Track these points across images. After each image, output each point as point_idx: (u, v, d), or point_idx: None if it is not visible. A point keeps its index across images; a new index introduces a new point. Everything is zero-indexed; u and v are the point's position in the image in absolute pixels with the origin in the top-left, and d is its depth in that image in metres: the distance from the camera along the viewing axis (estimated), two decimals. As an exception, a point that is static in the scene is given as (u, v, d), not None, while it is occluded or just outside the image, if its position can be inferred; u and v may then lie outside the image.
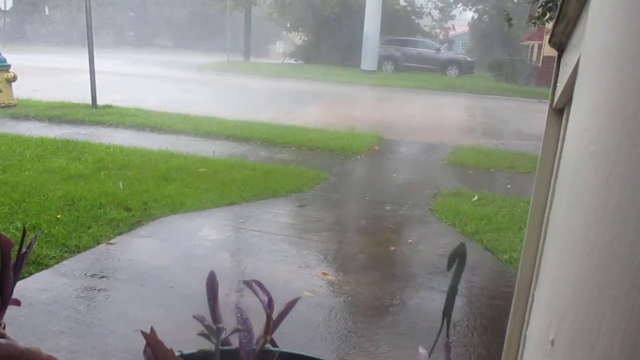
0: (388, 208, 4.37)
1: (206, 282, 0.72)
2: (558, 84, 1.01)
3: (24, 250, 0.72)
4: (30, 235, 3.03)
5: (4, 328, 0.70)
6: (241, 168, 5.19)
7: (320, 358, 0.74)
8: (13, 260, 0.70)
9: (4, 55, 8.03)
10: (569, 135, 0.40)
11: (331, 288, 2.83)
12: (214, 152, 5.98)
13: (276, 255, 3.26)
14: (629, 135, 0.26)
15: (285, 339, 0.83)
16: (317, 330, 2.41)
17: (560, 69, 1.01)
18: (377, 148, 6.95)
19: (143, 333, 0.62)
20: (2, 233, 0.70)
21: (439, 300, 2.72)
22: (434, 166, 6.17)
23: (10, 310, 0.74)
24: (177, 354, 0.67)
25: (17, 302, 0.73)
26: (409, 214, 4.26)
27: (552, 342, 0.32)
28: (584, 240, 0.29)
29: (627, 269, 0.25)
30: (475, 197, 4.67)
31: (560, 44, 0.99)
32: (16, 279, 0.69)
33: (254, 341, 0.71)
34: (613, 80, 0.28)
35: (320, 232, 3.69)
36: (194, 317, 0.67)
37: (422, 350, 0.74)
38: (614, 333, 0.25)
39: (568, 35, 0.92)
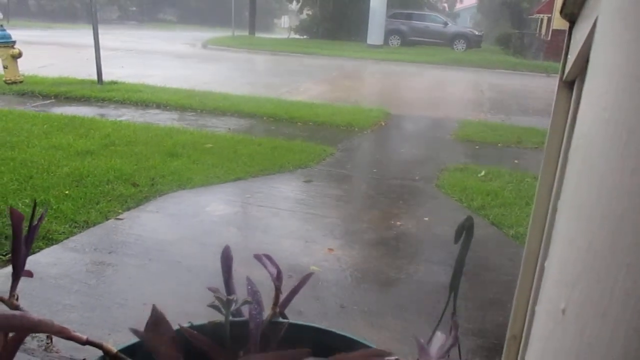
0: (394, 183, 4.36)
1: (221, 256, 0.72)
2: (569, 56, 0.99)
3: (34, 223, 0.73)
4: (40, 211, 3.06)
5: (17, 299, 0.71)
6: (247, 143, 5.19)
7: (328, 329, 0.75)
8: (24, 233, 0.71)
9: (8, 31, 7.98)
10: (584, 102, 0.40)
11: (337, 262, 2.85)
12: (229, 129, 5.97)
13: (283, 230, 3.28)
14: (646, 101, 0.25)
15: (291, 312, 0.84)
16: (322, 304, 2.43)
17: (572, 40, 0.99)
18: (383, 123, 6.92)
19: (133, 330, 0.63)
20: (14, 207, 0.71)
21: (446, 274, 2.74)
22: (440, 141, 6.15)
23: (22, 284, 0.75)
24: (187, 324, 0.68)
25: (30, 274, 0.74)
26: (415, 189, 4.26)
27: (564, 311, 0.32)
28: (597, 207, 0.29)
29: (641, 236, 0.25)
30: (482, 172, 4.65)
31: (572, 15, 0.97)
32: (28, 252, 0.70)
33: (264, 313, 0.71)
34: (630, 44, 0.27)
35: (326, 207, 3.70)
36: (208, 289, 0.68)
37: (439, 334, 0.74)
38: (626, 299, 0.25)
39: (580, 5, 0.90)
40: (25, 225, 0.74)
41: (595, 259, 0.29)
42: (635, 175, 0.26)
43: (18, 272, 0.68)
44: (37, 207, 3.16)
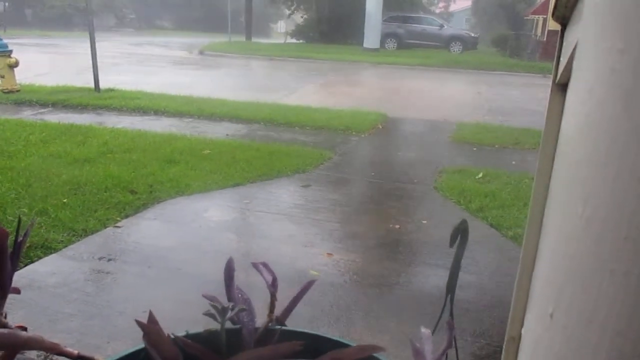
0: (392, 186, 4.37)
1: (225, 267, 0.73)
2: (561, 58, 0.99)
3: (20, 238, 0.72)
4: (26, 224, 3.06)
5: (5, 317, 0.70)
6: (245, 149, 5.19)
7: (322, 334, 0.75)
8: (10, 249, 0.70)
9: (5, 40, 7.99)
10: (568, 108, 0.40)
11: (336, 267, 2.85)
12: (227, 135, 5.97)
13: (281, 235, 3.28)
14: (626, 108, 0.26)
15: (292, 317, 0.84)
16: (322, 308, 2.43)
17: (564, 43, 1.00)
18: (380, 126, 6.92)
19: (138, 322, 0.63)
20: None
21: (445, 277, 2.74)
22: (438, 143, 6.16)
23: (21, 293, 0.75)
24: (183, 333, 0.68)
25: (17, 291, 0.73)
26: (413, 192, 4.27)
27: (552, 315, 0.33)
28: (582, 213, 0.29)
29: (625, 241, 0.25)
30: (480, 174, 4.66)
31: (564, 17, 0.98)
32: (14, 268, 0.69)
33: (260, 320, 0.72)
34: (610, 53, 0.27)
35: (325, 211, 3.70)
36: (203, 296, 0.68)
37: (424, 330, 0.74)
38: (611, 305, 0.25)
39: (571, 8, 0.90)
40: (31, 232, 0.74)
41: (581, 264, 0.29)
42: (618, 181, 0.26)
43: (5, 290, 0.67)
44: (24, 220, 3.16)
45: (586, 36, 0.33)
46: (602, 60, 0.28)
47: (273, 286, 0.71)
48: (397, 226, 3.48)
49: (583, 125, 0.30)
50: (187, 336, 0.67)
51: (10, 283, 0.67)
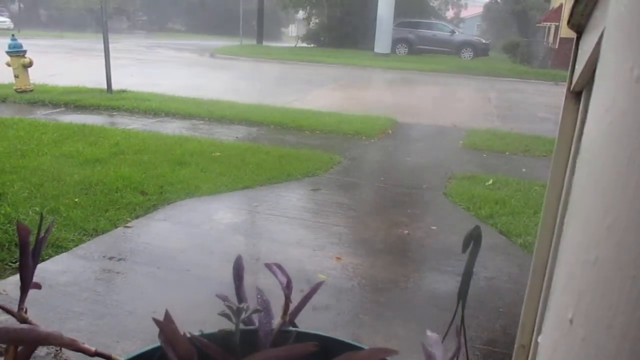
0: (401, 191, 4.36)
1: (233, 266, 0.73)
2: (576, 66, 1.00)
3: (41, 235, 0.73)
4: (47, 220, 3.09)
5: (25, 312, 0.72)
6: (255, 152, 5.21)
7: (337, 338, 0.75)
8: (32, 246, 0.71)
9: (19, 41, 8.08)
10: (590, 115, 0.40)
11: (345, 271, 2.85)
12: (237, 137, 6.00)
13: (290, 238, 3.28)
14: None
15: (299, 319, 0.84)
16: (329, 311, 2.43)
17: (579, 51, 1.00)
18: (390, 131, 6.92)
19: (155, 320, 0.64)
20: (20, 220, 0.71)
21: (454, 283, 2.73)
22: (448, 149, 6.14)
23: (32, 291, 0.76)
24: (197, 333, 0.69)
25: (38, 286, 0.74)
26: (422, 198, 4.26)
27: (571, 321, 0.33)
28: (603, 220, 0.30)
29: (646, 248, 0.25)
30: (490, 181, 4.64)
31: (579, 25, 0.98)
32: (35, 264, 0.70)
33: (274, 322, 0.72)
34: (635, 63, 0.28)
35: (334, 215, 3.71)
36: (217, 296, 0.68)
37: (430, 333, 0.75)
38: (632, 311, 0.26)
39: (587, 16, 0.91)
40: (34, 233, 0.75)
41: (601, 271, 0.29)
42: (639, 191, 0.26)
43: (26, 285, 0.68)
44: (45, 217, 3.19)
45: (609, 45, 0.33)
46: (625, 70, 0.28)
47: (288, 288, 0.71)
48: (406, 231, 3.47)
49: (605, 134, 0.31)
50: (202, 336, 0.68)
51: (32, 278, 0.68)
